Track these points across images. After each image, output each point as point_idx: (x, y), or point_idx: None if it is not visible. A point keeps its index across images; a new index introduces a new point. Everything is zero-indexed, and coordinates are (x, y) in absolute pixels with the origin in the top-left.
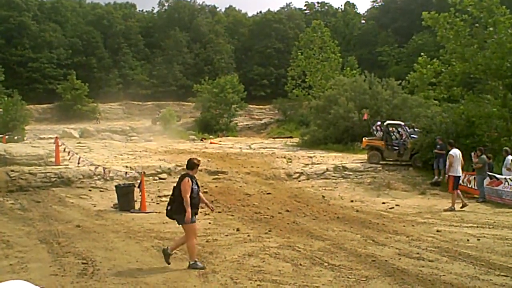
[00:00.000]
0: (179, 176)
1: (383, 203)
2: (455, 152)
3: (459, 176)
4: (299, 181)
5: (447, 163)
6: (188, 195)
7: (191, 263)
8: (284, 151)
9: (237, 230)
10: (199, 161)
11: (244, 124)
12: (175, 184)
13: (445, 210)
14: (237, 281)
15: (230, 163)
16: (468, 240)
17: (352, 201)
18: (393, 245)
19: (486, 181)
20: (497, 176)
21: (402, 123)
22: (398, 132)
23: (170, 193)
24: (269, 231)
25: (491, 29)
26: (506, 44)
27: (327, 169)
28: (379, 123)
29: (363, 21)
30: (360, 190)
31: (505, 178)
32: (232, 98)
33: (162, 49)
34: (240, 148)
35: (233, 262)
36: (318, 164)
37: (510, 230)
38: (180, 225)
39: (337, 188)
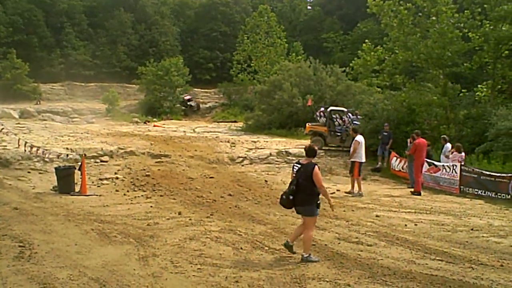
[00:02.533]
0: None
1: None
2: (361, 138)
3: (363, 163)
4: (242, 165)
5: (351, 149)
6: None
7: (305, 256)
8: (228, 135)
9: (179, 213)
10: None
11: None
12: (292, 172)
13: (347, 193)
14: (178, 264)
15: (174, 146)
16: (406, 225)
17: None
18: (333, 229)
19: (425, 167)
20: (435, 163)
21: (345, 110)
22: (341, 118)
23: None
24: (211, 215)
25: (433, 18)
26: (448, 34)
27: (270, 154)
28: (322, 109)
29: (309, 7)
30: None
31: (443, 165)
32: (177, 81)
33: (106, 29)
34: (184, 131)
35: (174, 246)
36: (261, 148)
37: (446, 215)
38: (302, 216)
39: (279, 173)
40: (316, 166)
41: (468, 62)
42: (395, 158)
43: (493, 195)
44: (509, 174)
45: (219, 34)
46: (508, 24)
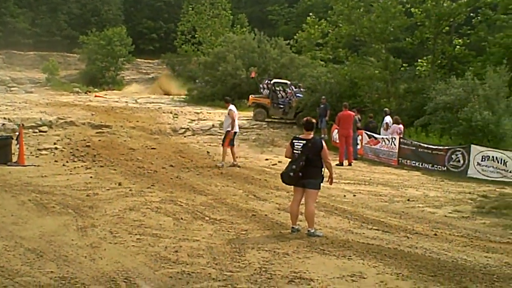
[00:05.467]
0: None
1: (267, 159)
2: (235, 108)
3: (236, 132)
4: (185, 136)
5: (230, 120)
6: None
7: (311, 230)
8: (171, 106)
9: (119, 184)
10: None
11: (131, 78)
12: (298, 146)
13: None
14: (117, 234)
15: (115, 117)
16: (344, 196)
17: (236, 157)
18: (273, 200)
19: (365, 140)
20: (375, 135)
21: (289, 82)
22: (284, 91)
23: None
24: (152, 185)
25: None
26: (391, 9)
27: (213, 125)
28: (267, 81)
29: None
30: (245, 147)
31: (382, 138)
32: (119, 51)
33: None
34: (126, 102)
35: (113, 216)
36: (204, 120)
37: (384, 186)
38: (307, 190)
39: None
40: (323, 141)
41: (409, 37)
42: (336, 130)
43: (429, 167)
44: (446, 147)
45: (163, 4)
46: (449, 1)
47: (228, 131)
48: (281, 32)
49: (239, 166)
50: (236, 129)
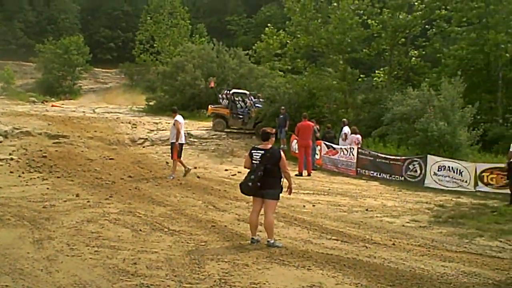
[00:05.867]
0: (251, 148)
1: (226, 170)
2: (181, 118)
3: (183, 144)
4: (144, 147)
5: (176, 131)
6: None
7: (271, 241)
8: (130, 116)
9: (77, 195)
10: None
11: (88, 88)
12: (257, 157)
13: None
14: (74, 247)
15: (72, 127)
16: (304, 206)
17: (195, 167)
18: (233, 211)
19: (324, 150)
20: (334, 146)
21: (248, 93)
22: (243, 101)
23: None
24: (110, 197)
25: (335, 4)
26: (348, 20)
27: None
28: (226, 91)
29: None
30: (204, 157)
31: (341, 148)
32: (76, 60)
33: (1, 4)
34: (84, 112)
35: (70, 228)
36: (163, 130)
37: (343, 197)
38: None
39: None
40: (281, 151)
41: (366, 48)
42: (295, 140)
43: (387, 177)
44: (403, 157)
45: (121, 13)
46: (404, 13)
47: (173, 142)
48: (240, 42)
49: (190, 169)
50: (183, 140)
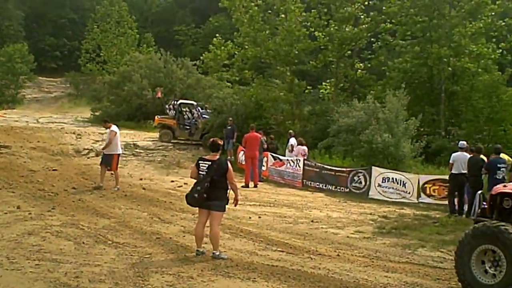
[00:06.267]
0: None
1: (172, 181)
2: (116, 128)
3: (119, 154)
4: (88, 157)
5: (108, 141)
6: None
7: (216, 253)
8: (74, 126)
9: (18, 207)
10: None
11: (32, 97)
12: (204, 168)
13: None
14: (14, 260)
15: (15, 137)
16: (250, 217)
17: (141, 179)
18: (178, 222)
19: (270, 162)
20: (280, 157)
21: (195, 103)
22: (191, 111)
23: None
24: (53, 209)
25: (282, 16)
26: (295, 32)
27: None
28: (173, 102)
29: None
30: (150, 168)
31: (287, 160)
32: (20, 69)
33: None
34: (27, 121)
35: (10, 241)
36: None
37: (289, 208)
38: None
39: (127, 166)
40: (229, 163)
41: (313, 60)
42: (242, 152)
43: (333, 189)
44: (348, 169)
45: (67, 21)
46: (351, 26)
47: (110, 154)
48: (187, 52)
49: (102, 186)
50: (119, 151)
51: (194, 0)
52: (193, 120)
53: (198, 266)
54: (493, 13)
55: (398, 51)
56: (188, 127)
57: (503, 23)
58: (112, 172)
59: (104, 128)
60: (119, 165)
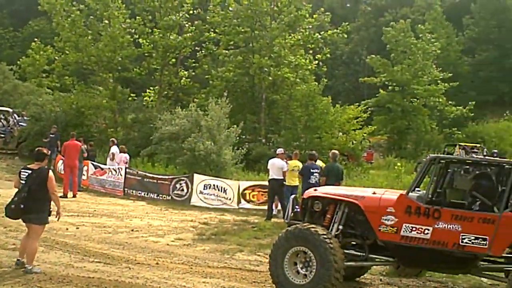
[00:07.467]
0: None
1: None
2: None
3: None
4: None
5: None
6: None
7: (29, 267)
8: None
9: None
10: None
11: None
12: (18, 179)
13: None
14: None
15: None
16: (67, 229)
17: None
18: None
19: (91, 171)
20: (102, 166)
21: (11, 110)
22: (6, 119)
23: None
24: None
25: (106, 22)
26: (119, 38)
27: None
28: None
29: None
30: None
31: (109, 168)
32: None
33: None
34: None
35: None
36: None
37: (108, 218)
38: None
39: None
40: (50, 171)
41: (138, 67)
42: (61, 160)
43: (155, 197)
44: (170, 176)
45: None
46: (175, 34)
47: None
48: (4, 56)
49: None
50: None
51: (14, 2)
52: (9, 128)
53: (9, 282)
54: (310, 26)
55: (222, 60)
56: (3, 135)
57: (319, 36)
58: None
59: None
60: None
